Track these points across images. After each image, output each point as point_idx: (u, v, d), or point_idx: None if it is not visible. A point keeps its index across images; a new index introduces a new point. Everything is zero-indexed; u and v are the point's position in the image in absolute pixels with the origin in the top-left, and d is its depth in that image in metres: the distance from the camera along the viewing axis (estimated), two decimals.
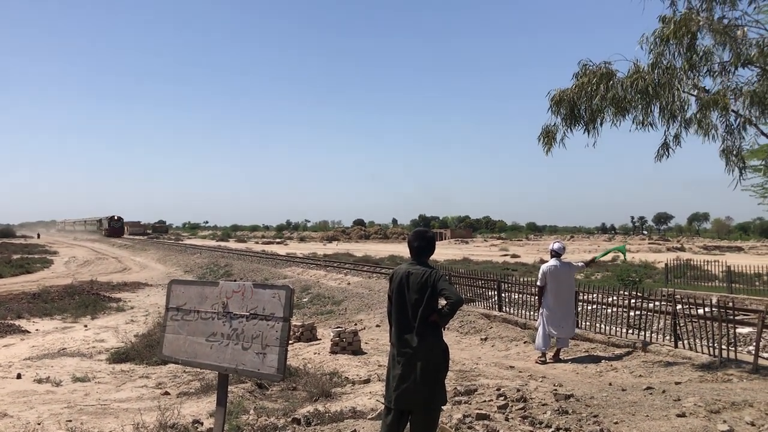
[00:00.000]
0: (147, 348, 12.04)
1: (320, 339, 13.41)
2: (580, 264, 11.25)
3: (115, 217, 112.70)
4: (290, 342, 13.26)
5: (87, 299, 22.17)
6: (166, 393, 9.39)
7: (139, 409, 7.74)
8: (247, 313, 4.38)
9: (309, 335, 13.54)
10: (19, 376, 10.37)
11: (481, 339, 13.01)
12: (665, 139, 9.92)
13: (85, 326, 17.28)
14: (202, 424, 6.99)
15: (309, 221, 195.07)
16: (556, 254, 10.63)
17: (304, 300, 22.05)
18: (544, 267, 10.69)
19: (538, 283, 10.78)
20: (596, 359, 10.34)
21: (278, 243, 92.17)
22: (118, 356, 12.12)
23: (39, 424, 7.35)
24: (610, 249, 11.85)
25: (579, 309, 12.39)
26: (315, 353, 11.99)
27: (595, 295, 12.73)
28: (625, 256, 12.10)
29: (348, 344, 11.69)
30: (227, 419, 6.77)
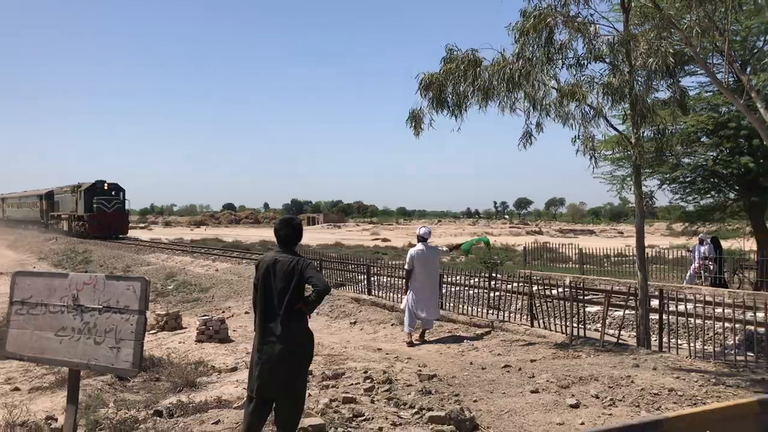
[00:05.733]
0: None
1: (186, 327, 13.02)
2: (444, 249, 11.67)
3: (106, 186, 46.69)
4: (154, 332, 12.84)
5: None
6: (16, 389, 8.80)
7: None
8: (100, 306, 4.16)
9: (174, 324, 13.11)
10: None
11: (351, 323, 13.14)
12: (527, 128, 10.39)
13: None
14: (56, 420, 6.59)
15: (175, 205, 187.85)
16: (422, 239, 10.91)
17: (169, 287, 21.32)
18: (411, 251, 10.96)
19: (406, 267, 11.04)
20: (459, 339, 10.73)
21: (141, 228, 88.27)
22: None
23: None
24: (473, 240, 12.33)
25: (444, 291, 12.82)
26: (180, 342, 11.64)
27: (458, 278, 13.22)
28: (489, 246, 12.59)
29: (215, 332, 11.43)
30: (85, 414, 6.43)
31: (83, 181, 48.03)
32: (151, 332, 12.80)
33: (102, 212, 45.11)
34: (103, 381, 8.29)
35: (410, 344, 10.54)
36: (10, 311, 4.52)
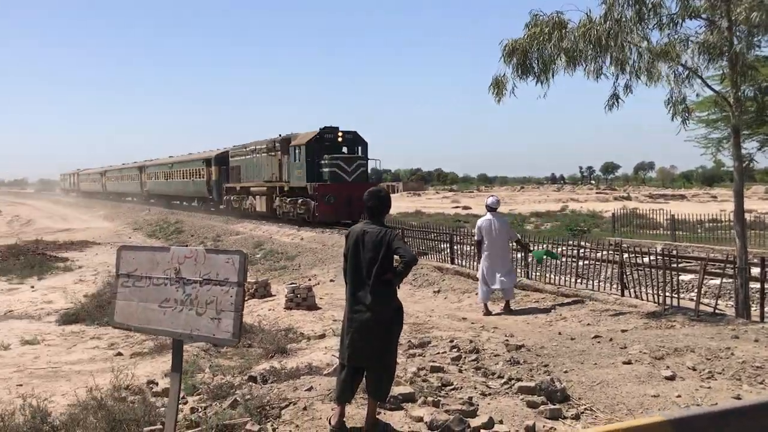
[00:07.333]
0: (98, 308, 11.84)
1: (275, 295, 13.39)
2: (514, 234, 11.57)
3: (339, 136, 26.38)
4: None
5: (33, 259, 21.57)
6: (119, 354, 9.32)
7: (92, 372, 7.65)
8: (201, 279, 4.34)
9: (263, 291, 13.52)
10: None
11: (434, 291, 13.19)
12: (615, 90, 10.04)
13: (32, 287, 16.88)
14: (156, 384, 6.97)
15: None
16: (491, 209, 10.84)
17: (257, 256, 21.93)
18: (479, 222, 10.96)
19: (475, 238, 11.05)
20: (546, 309, 10.59)
21: None
22: (68, 317, 11.89)
23: None
24: (542, 253, 12.00)
25: (529, 260, 12.68)
26: (270, 309, 11.99)
27: (544, 246, 13.00)
28: (557, 259, 12.11)
29: (303, 300, 11.73)
30: (183, 379, 6.76)
31: (288, 133, 28.49)
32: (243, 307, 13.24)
33: (339, 181, 25.55)
34: (198, 347, 8.65)
35: (488, 314, 10.49)
36: (117, 283, 4.78)
